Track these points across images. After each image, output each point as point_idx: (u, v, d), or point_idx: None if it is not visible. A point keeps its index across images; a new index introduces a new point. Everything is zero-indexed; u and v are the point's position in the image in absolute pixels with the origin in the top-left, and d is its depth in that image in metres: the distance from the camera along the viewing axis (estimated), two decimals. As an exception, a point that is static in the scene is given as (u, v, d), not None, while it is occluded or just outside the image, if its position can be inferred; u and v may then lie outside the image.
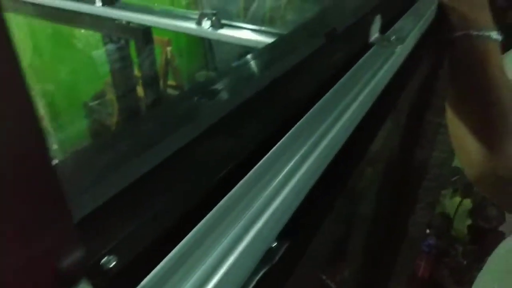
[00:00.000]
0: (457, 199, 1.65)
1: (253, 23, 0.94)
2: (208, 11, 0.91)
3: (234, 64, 0.35)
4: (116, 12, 0.97)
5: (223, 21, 0.92)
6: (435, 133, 0.84)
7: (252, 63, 0.35)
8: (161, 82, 1.77)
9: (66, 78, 1.46)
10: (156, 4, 1.83)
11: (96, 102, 1.53)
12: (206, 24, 0.91)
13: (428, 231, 1.61)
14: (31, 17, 1.20)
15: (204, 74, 2.56)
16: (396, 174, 0.76)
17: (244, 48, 0.90)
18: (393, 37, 0.35)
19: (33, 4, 1.03)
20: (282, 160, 0.24)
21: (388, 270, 0.96)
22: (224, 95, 0.28)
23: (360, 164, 0.32)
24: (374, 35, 0.35)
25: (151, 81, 1.02)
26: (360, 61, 0.34)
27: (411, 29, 0.40)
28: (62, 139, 1.46)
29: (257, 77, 0.33)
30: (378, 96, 0.36)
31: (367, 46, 0.35)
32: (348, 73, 0.32)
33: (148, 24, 0.96)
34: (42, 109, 1.49)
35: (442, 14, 0.53)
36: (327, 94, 0.30)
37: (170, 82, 2.01)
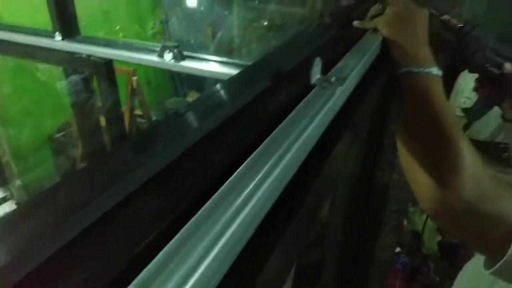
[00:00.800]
0: (426, 216, 1.69)
1: (218, 53, 0.95)
2: (169, 43, 0.92)
3: (180, 108, 0.36)
4: (77, 46, 0.96)
5: (186, 53, 0.93)
6: (394, 156, 0.87)
7: (196, 108, 0.35)
8: (127, 112, 1.76)
9: (27, 110, 1.43)
10: (120, 35, 1.83)
11: (61, 134, 1.50)
12: (168, 56, 0.92)
13: (399, 249, 1.63)
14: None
15: (174, 101, 2.56)
16: (358, 201, 0.77)
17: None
18: (334, 77, 0.37)
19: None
20: (225, 204, 0.25)
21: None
22: (162, 145, 0.28)
23: (306, 203, 0.32)
24: (316, 76, 0.37)
25: (114, 113, 1.01)
26: (302, 102, 0.35)
27: (353, 67, 0.41)
28: (25, 173, 1.42)
29: (199, 121, 0.33)
30: (323, 132, 0.37)
31: (309, 87, 0.36)
32: (290, 115, 0.33)
33: (110, 57, 0.95)
34: (4, 141, 1.44)
35: (386, 49, 0.55)
36: (268, 139, 0.31)
37: (137, 111, 1.99)
